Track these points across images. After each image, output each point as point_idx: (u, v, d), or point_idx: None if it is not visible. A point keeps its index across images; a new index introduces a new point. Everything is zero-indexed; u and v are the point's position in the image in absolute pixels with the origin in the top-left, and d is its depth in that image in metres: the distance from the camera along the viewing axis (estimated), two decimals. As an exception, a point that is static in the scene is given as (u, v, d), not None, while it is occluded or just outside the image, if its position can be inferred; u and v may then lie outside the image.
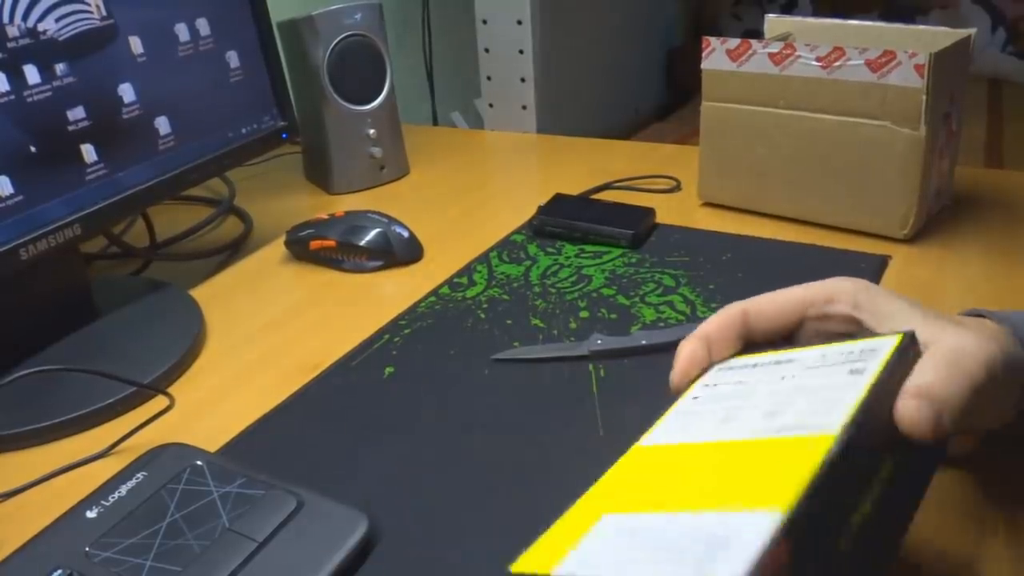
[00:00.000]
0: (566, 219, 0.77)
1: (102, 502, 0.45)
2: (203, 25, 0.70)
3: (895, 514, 0.33)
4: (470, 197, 0.91)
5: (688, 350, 0.41)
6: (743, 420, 0.35)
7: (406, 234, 0.76)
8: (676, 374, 0.41)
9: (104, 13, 0.62)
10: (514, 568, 0.32)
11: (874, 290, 0.40)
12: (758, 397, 0.36)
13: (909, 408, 0.33)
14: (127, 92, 0.64)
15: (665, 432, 0.38)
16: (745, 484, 0.29)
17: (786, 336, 0.42)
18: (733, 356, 0.42)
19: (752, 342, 0.42)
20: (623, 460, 0.37)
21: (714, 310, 0.64)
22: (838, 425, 0.31)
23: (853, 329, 0.40)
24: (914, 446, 0.33)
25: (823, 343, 0.38)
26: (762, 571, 0.25)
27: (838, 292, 0.40)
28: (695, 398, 0.39)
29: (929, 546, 0.41)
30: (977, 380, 0.34)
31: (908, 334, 0.35)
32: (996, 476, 0.45)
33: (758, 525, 0.26)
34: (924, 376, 0.34)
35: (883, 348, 0.35)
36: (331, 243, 0.74)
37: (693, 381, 0.41)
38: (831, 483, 0.29)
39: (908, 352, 0.35)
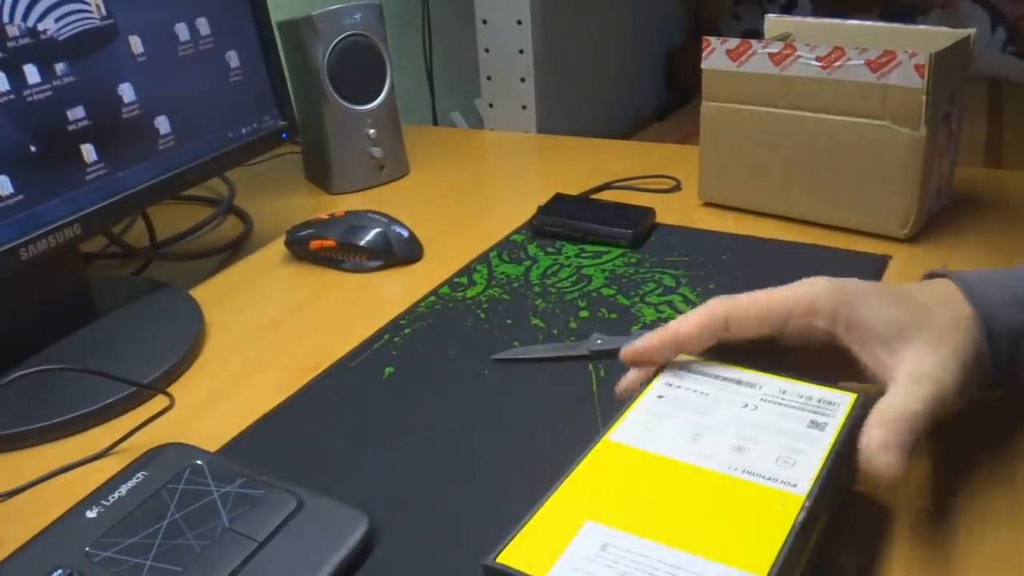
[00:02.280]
0: (566, 219, 0.77)
1: (102, 502, 0.45)
2: (203, 25, 0.70)
3: (819, 557, 0.38)
4: (470, 197, 0.91)
5: (659, 349, 0.45)
6: (712, 446, 0.39)
7: (406, 234, 0.76)
8: (628, 378, 0.46)
9: (104, 13, 0.62)
10: (501, 559, 0.35)
11: (854, 302, 0.42)
12: (723, 421, 0.41)
13: (880, 459, 0.37)
14: (127, 92, 0.64)
15: (633, 430, 0.41)
16: (725, 534, 0.35)
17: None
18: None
19: (727, 344, 0.45)
20: (593, 454, 0.40)
21: (714, 310, 0.65)
22: (805, 488, 0.36)
23: (832, 341, 0.43)
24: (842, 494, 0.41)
25: (786, 373, 0.43)
26: None
27: (818, 306, 0.42)
28: (660, 397, 0.43)
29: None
30: (936, 408, 0.39)
31: (859, 397, 0.41)
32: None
33: None
34: (887, 423, 0.38)
35: (840, 405, 0.41)
36: (331, 243, 0.74)
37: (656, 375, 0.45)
38: (796, 546, 0.34)
39: (860, 414, 0.40)
